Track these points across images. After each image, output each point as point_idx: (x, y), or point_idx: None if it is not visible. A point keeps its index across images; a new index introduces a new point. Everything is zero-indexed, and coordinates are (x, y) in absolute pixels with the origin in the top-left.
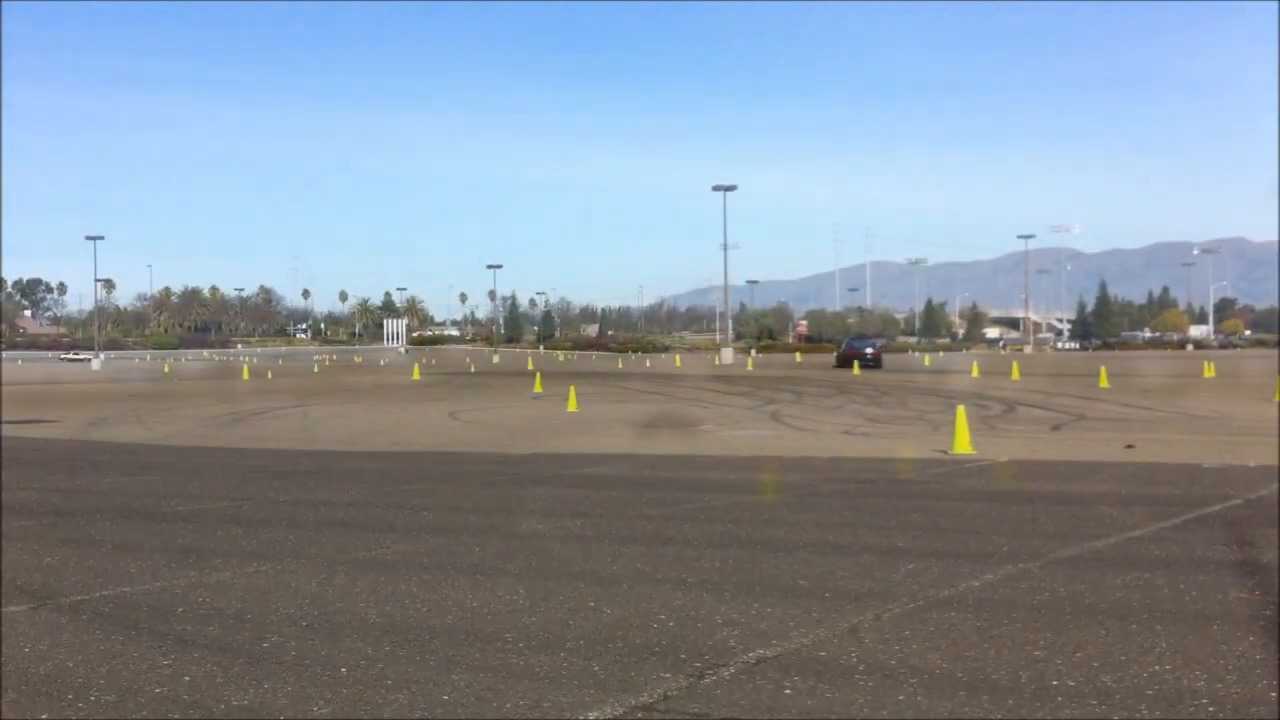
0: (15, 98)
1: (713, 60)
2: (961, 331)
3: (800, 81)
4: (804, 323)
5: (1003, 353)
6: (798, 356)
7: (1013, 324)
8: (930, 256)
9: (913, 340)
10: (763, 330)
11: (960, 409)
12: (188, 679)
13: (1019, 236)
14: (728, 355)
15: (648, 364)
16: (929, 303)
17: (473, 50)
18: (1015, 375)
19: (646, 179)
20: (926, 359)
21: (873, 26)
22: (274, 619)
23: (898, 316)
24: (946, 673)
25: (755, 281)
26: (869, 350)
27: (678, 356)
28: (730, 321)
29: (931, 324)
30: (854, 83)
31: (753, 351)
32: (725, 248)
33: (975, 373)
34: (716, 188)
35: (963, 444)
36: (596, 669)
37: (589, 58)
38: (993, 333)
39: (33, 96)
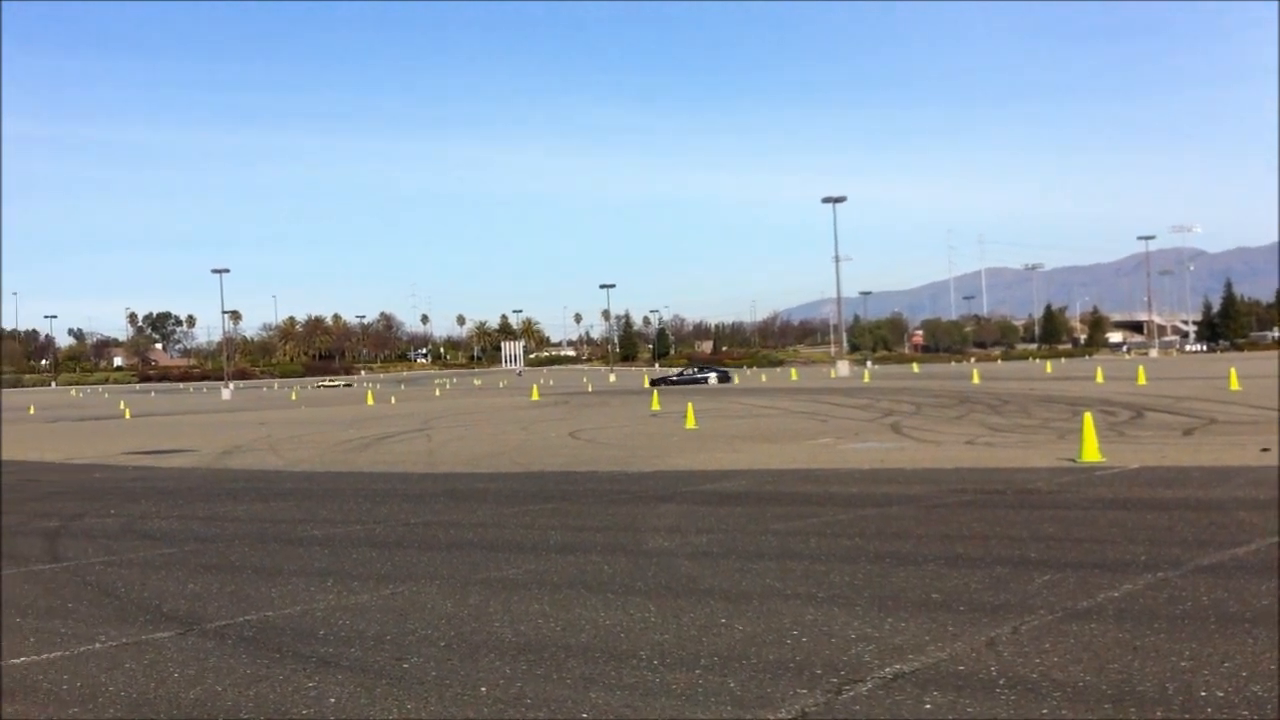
0: (142, 136)
1: (819, 72)
2: (1083, 337)
3: (908, 89)
4: (919, 333)
5: (1127, 357)
6: (914, 367)
7: (1136, 327)
8: (1047, 261)
9: (1033, 347)
10: (878, 341)
11: (1087, 416)
12: (333, 700)
13: (1139, 238)
14: (843, 368)
15: (763, 379)
16: (1048, 308)
17: (581, 74)
18: (1141, 380)
19: (756, 193)
20: (1048, 366)
21: (983, 28)
22: (412, 640)
23: (1016, 323)
24: (1090, 685)
25: (868, 293)
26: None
27: (793, 370)
28: (845, 334)
29: (1052, 330)
30: (964, 88)
31: (869, 363)
32: (837, 259)
33: (1099, 378)
34: (826, 199)
35: (1091, 451)
36: (732, 685)
37: (695, 77)
38: (1115, 337)
39: (156, 134)
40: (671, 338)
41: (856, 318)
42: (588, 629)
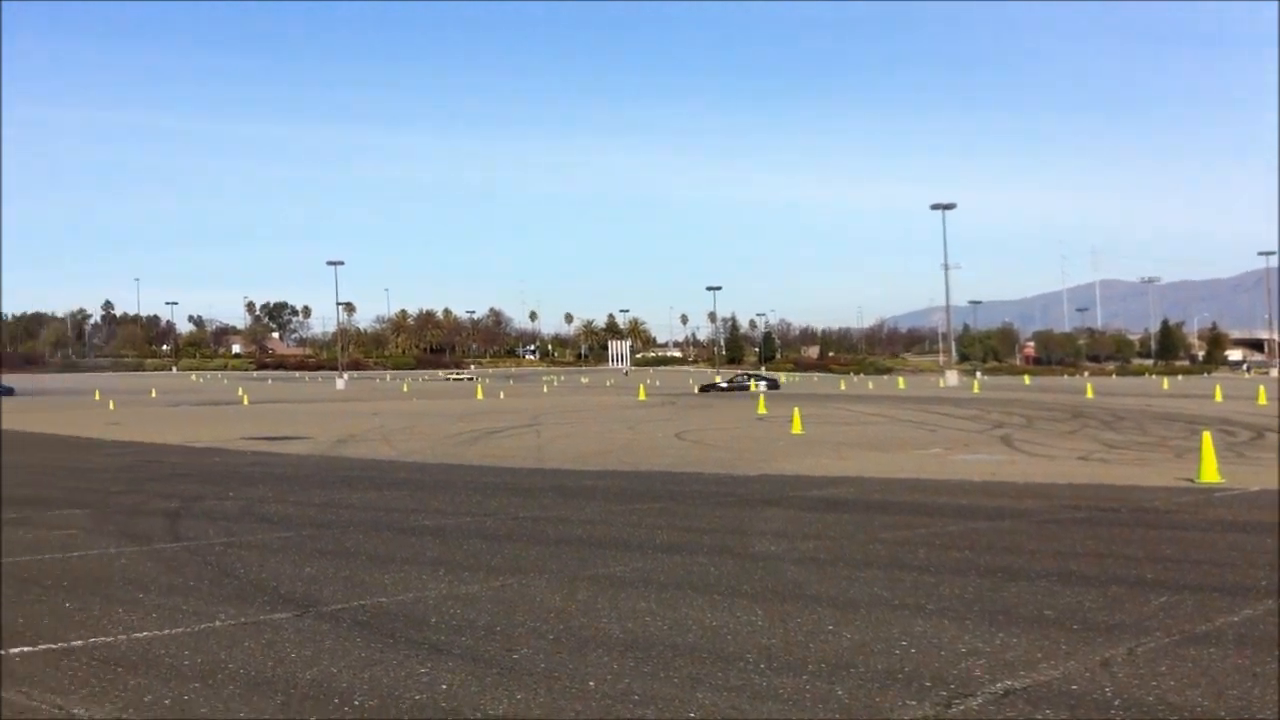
0: (263, 131)
1: (930, 76)
2: (1201, 354)
3: (1022, 95)
4: (1031, 344)
5: (1246, 376)
6: (1025, 379)
7: (1257, 345)
8: (1164, 275)
9: (1149, 363)
10: (988, 352)
11: (1206, 435)
12: (444, 687)
13: (1260, 253)
14: (952, 377)
15: (870, 386)
16: (1165, 323)
17: (685, 77)
18: (1262, 400)
19: (864, 199)
20: (1165, 382)
21: (1098, 33)
22: (522, 631)
23: (1132, 337)
24: (1208, 711)
25: (978, 302)
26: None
27: (900, 378)
28: (953, 343)
29: (1168, 345)
30: (1076, 94)
31: (978, 373)
32: (946, 267)
33: (1218, 397)
34: (935, 206)
35: (1210, 472)
36: (840, 693)
37: (802, 80)
38: (1235, 355)
39: (278, 129)
40: (778, 342)
41: (966, 327)
42: (694, 629)
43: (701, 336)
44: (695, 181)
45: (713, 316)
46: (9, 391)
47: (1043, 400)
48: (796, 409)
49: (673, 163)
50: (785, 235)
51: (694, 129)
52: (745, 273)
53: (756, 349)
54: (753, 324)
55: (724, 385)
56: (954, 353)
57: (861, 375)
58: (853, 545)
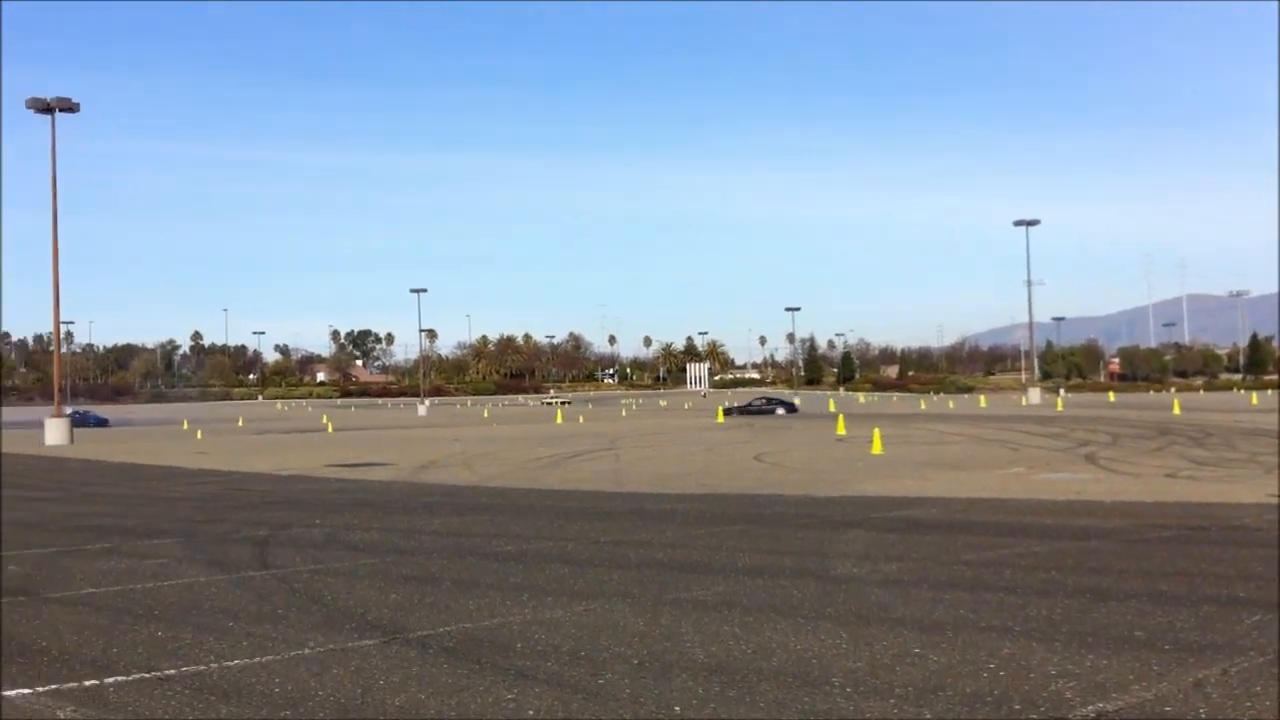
0: (348, 159)
1: (1010, 93)
2: None
3: (1104, 110)
4: (1116, 360)
5: None
6: (1110, 396)
7: None
8: (1253, 288)
9: (1238, 378)
10: (1071, 369)
11: None
12: (531, 713)
13: None
14: (1035, 395)
15: (951, 405)
16: (1254, 337)
17: (763, 98)
18: None
19: (945, 216)
20: (1254, 398)
21: (1180, 46)
22: (606, 656)
23: (1220, 352)
24: None
25: (1061, 318)
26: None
27: (982, 397)
28: (1036, 360)
29: (1257, 360)
30: (1162, 108)
31: (1061, 391)
32: (1029, 284)
33: None
34: (1018, 223)
35: None
36: (929, 717)
37: (877, 98)
38: None
39: (361, 158)
40: (856, 362)
41: (1049, 344)
42: (779, 653)
43: (780, 357)
44: (773, 202)
45: (791, 337)
46: (104, 423)
47: (1128, 417)
48: (876, 429)
49: (750, 183)
50: (864, 254)
51: (772, 149)
52: (824, 293)
53: (835, 369)
54: (831, 344)
55: (747, 408)
56: (1037, 370)
57: (942, 394)
58: (936, 567)
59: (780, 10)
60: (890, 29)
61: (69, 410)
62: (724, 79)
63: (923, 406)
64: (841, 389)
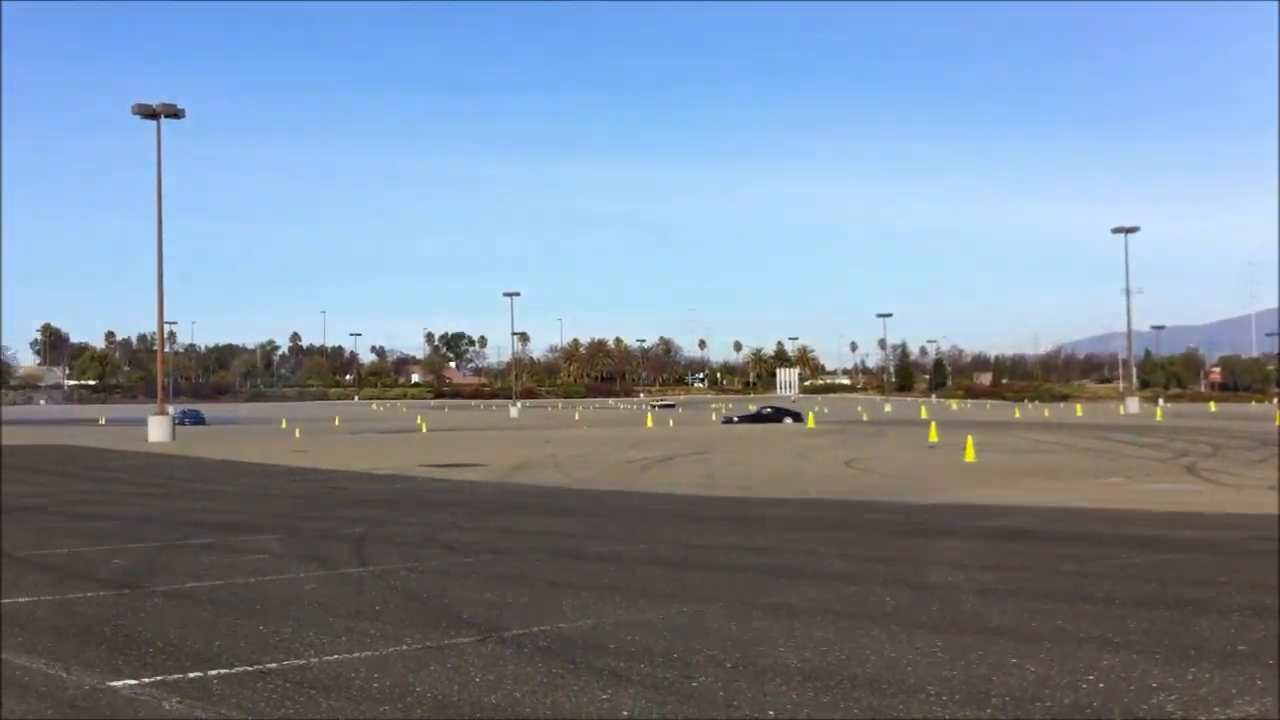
0: (444, 166)
1: (1109, 96)
2: None
3: (1205, 113)
4: (1217, 370)
5: None
6: (1211, 406)
7: None
8: None
9: None
10: (1170, 378)
11: None
12: (625, 713)
13: None
14: (1132, 404)
15: (1046, 413)
16: None
17: (853, 103)
18: None
19: (1041, 222)
20: None
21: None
22: (699, 659)
23: None
24: None
25: (1160, 327)
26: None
27: (1078, 406)
28: (1134, 369)
29: None
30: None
31: (1160, 400)
32: (1127, 292)
33: None
34: (1117, 230)
35: None
36: None
37: (968, 103)
38: None
39: (456, 165)
40: (949, 368)
41: (1147, 353)
42: (873, 660)
43: (871, 364)
44: (866, 208)
45: (883, 343)
46: (200, 420)
47: (1229, 428)
48: (969, 436)
49: (841, 190)
50: (958, 260)
51: (863, 154)
52: (917, 299)
53: (927, 376)
54: (924, 350)
55: (748, 417)
56: (1135, 379)
57: (1037, 402)
58: (1032, 576)
59: (860, 11)
60: (981, 32)
61: (171, 410)
62: (809, 83)
63: (1017, 415)
64: (934, 396)
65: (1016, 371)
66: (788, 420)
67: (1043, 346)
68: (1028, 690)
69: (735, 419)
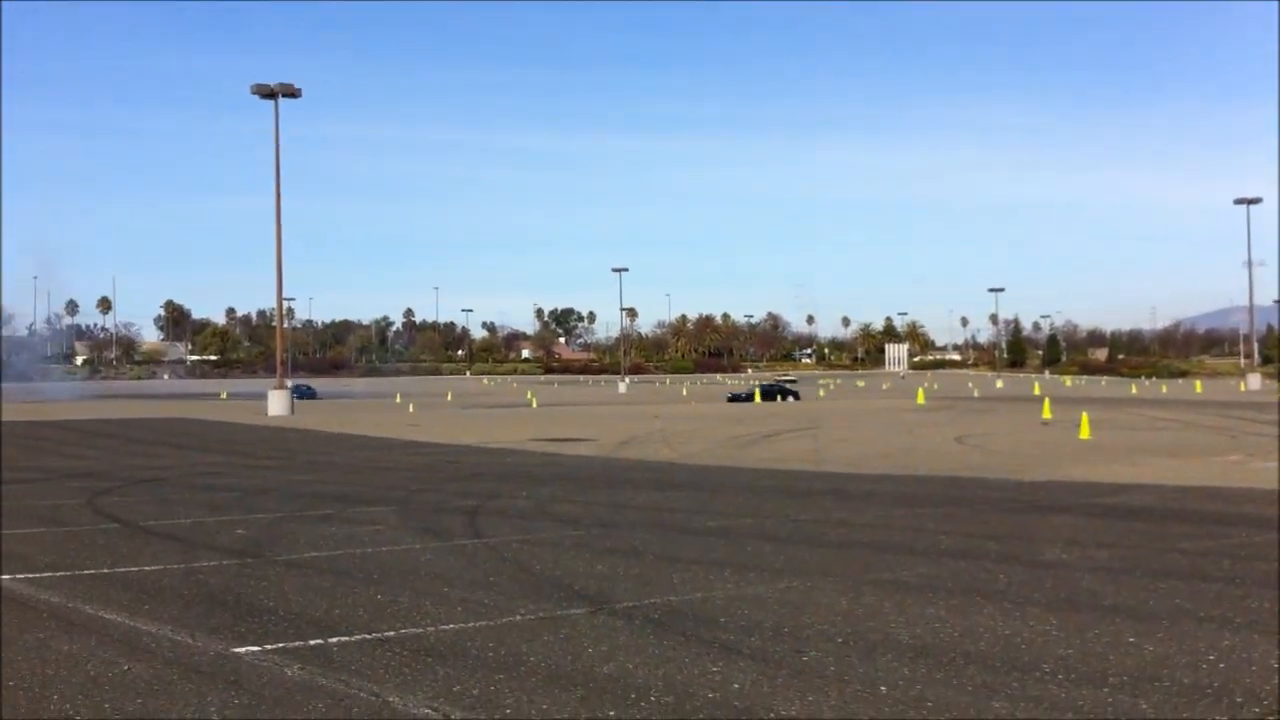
0: (555, 142)
1: (1230, 63)
2: None
3: None
4: None
5: None
6: None
7: None
8: None
9: None
10: None
11: None
12: (736, 686)
13: None
14: (1254, 381)
15: (1163, 389)
16: None
17: (963, 75)
18: None
19: (1158, 193)
20: None
21: None
22: (809, 634)
23: None
24: None
25: None
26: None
27: (1197, 382)
28: (1256, 344)
29: None
30: None
31: None
32: (1249, 264)
33: None
34: (1239, 201)
35: None
36: (1145, 707)
37: (1080, 71)
38: None
39: (568, 141)
40: (1063, 344)
41: (1270, 327)
42: (986, 637)
43: (982, 339)
44: (975, 180)
45: (994, 319)
46: (311, 394)
47: None
48: (1084, 413)
49: (950, 162)
50: (1073, 233)
51: (973, 124)
52: (1029, 273)
53: (1040, 352)
54: (1036, 326)
55: (743, 396)
56: (1256, 355)
57: (1154, 379)
58: (1149, 555)
59: None
60: (1105, 7)
61: (290, 384)
62: (916, 53)
63: (1133, 391)
64: (1047, 372)
65: (1133, 347)
66: (781, 398)
67: (1160, 321)
68: (1146, 669)
69: (740, 396)
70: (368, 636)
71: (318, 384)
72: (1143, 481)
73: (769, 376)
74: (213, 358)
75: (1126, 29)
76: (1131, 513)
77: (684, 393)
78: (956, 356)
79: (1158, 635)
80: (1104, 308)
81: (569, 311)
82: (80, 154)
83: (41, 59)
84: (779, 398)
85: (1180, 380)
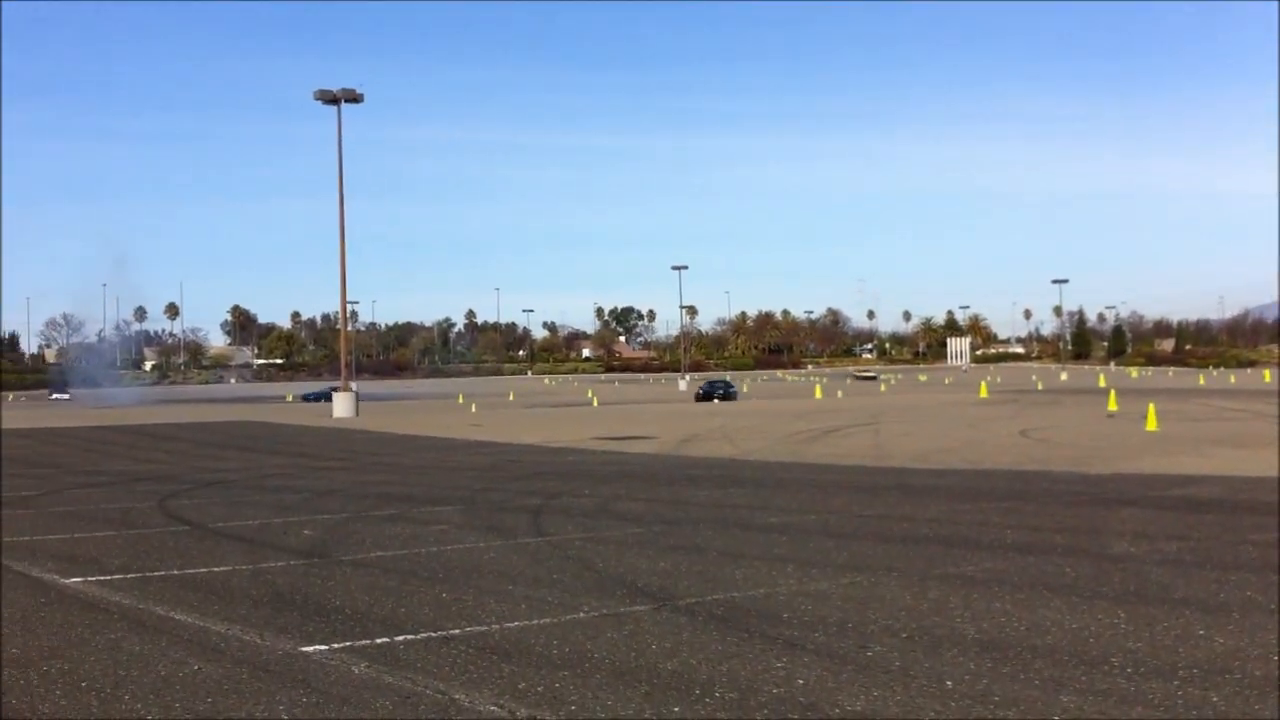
0: (612, 141)
1: None
2: None
3: None
4: None
5: None
6: None
7: None
8: None
9: None
10: None
11: None
12: (800, 682)
13: None
14: None
15: (1232, 380)
16: None
17: (1028, 63)
18: None
19: (1225, 181)
20: None
21: None
22: (874, 629)
23: None
24: None
25: None
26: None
27: (1266, 372)
28: None
29: None
30: None
31: None
32: None
33: None
34: None
35: None
36: (1216, 700)
37: (1155, 60)
38: None
39: (622, 140)
40: (1129, 335)
41: None
42: (1054, 631)
43: (1046, 331)
44: (1039, 170)
45: (1058, 310)
46: (325, 396)
47: None
48: (1151, 404)
49: (1013, 152)
50: (1139, 222)
51: (1035, 114)
52: (1094, 264)
53: (1105, 344)
54: (1101, 317)
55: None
56: None
57: (1222, 369)
58: (1220, 547)
59: None
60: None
61: (324, 387)
62: (977, 43)
63: (1201, 382)
64: (1112, 364)
65: (1201, 337)
66: (715, 400)
67: (1229, 310)
68: (1217, 662)
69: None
70: (433, 635)
71: (381, 386)
72: (1211, 473)
73: (829, 372)
74: (278, 361)
75: (1187, 19)
76: (1200, 505)
77: (745, 389)
78: (1020, 350)
79: (1228, 628)
80: (1171, 297)
81: (629, 310)
82: (146, 161)
83: (105, 64)
84: (716, 399)
85: (1249, 370)
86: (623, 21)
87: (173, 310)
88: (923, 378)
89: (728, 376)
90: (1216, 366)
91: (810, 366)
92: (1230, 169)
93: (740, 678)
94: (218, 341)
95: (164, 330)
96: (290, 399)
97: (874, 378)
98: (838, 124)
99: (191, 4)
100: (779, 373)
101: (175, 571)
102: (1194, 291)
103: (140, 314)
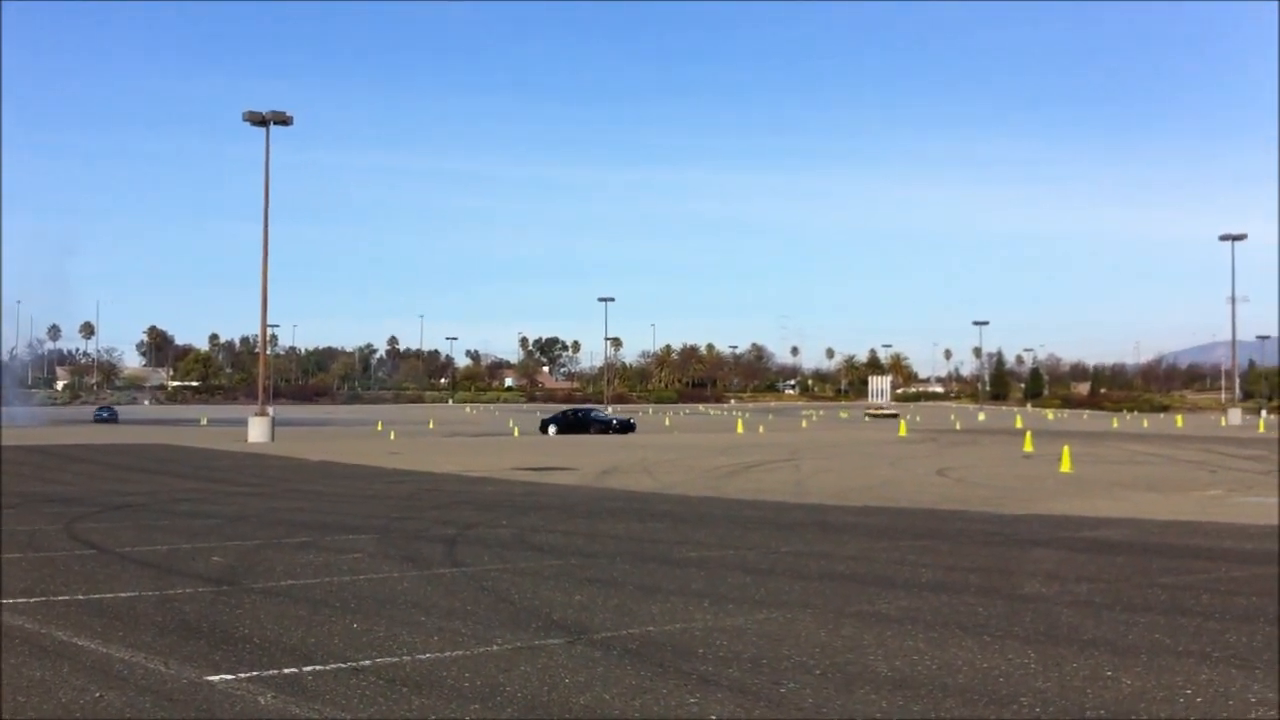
0: (540, 172)
1: (1216, 101)
2: None
3: None
4: None
5: None
6: None
7: None
8: None
9: None
10: (1275, 389)
11: None
12: (714, 717)
13: None
14: (1235, 416)
15: (1145, 424)
16: None
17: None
18: None
19: (1142, 228)
20: None
21: None
22: (787, 665)
23: None
24: None
25: (1266, 337)
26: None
27: (1178, 417)
28: (1237, 380)
29: None
30: None
31: (1263, 412)
32: (1233, 300)
33: None
34: (1224, 237)
35: None
36: None
37: (1071, 108)
38: None
39: (551, 170)
40: (1045, 378)
41: (1252, 363)
42: (965, 670)
43: (965, 372)
44: (962, 212)
45: (978, 351)
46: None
47: None
48: (1066, 447)
49: (935, 194)
50: (1057, 266)
51: (959, 157)
52: (1013, 306)
53: (1023, 385)
54: (1019, 359)
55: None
56: (1238, 390)
57: (1136, 413)
58: (1130, 589)
59: (950, 11)
60: (1075, 36)
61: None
62: (903, 85)
63: (1115, 425)
64: (1029, 405)
65: (1115, 381)
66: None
67: (1144, 355)
68: (1124, 703)
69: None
70: (343, 665)
71: (300, 411)
72: (1123, 516)
73: (752, 407)
74: (194, 384)
75: (1115, 67)
76: (1111, 547)
77: (667, 423)
78: (940, 389)
79: (1136, 669)
80: (1087, 341)
81: (553, 341)
82: (64, 177)
83: (23, 77)
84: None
85: (1162, 415)
86: (556, 54)
87: (88, 329)
88: (844, 415)
89: (650, 409)
90: (1130, 410)
91: (733, 400)
92: (1151, 218)
93: (653, 713)
94: (133, 362)
95: (78, 349)
96: (205, 421)
97: (895, 415)
98: (767, 161)
99: (119, 18)
100: (701, 406)
101: (80, 596)
102: (1110, 336)
103: (54, 332)
